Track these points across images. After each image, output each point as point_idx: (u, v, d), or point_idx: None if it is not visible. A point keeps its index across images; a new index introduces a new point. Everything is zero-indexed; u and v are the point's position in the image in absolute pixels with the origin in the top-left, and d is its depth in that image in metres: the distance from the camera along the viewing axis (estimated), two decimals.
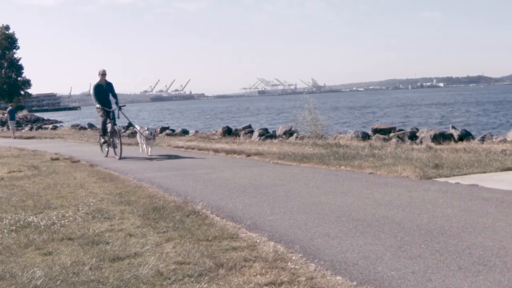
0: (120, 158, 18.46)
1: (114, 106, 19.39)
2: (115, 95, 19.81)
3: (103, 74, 19.38)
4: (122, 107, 19.36)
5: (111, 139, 19.21)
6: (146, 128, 19.72)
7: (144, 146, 19.68)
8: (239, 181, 11.87)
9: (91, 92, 19.79)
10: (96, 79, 19.52)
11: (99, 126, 21.87)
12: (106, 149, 19.75)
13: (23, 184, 12.12)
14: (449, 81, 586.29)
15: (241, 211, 8.59)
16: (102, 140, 20.07)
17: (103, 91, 19.42)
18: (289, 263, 5.65)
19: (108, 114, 19.25)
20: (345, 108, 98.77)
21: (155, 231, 7.15)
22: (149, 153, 19.21)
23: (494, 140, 21.82)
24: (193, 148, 21.58)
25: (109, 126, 19.24)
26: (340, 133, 28.30)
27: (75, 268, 5.58)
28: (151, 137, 19.39)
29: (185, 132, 37.25)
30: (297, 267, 5.53)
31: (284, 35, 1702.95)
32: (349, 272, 5.36)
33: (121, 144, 18.89)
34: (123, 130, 45.85)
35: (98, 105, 19.29)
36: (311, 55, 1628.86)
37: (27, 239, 6.85)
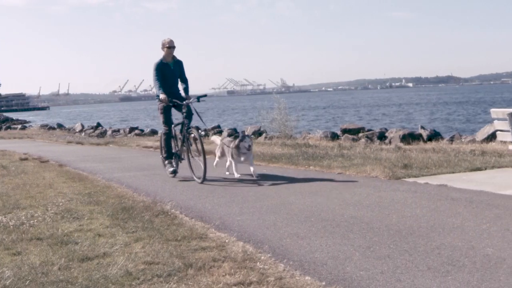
0: (203, 180, 11.58)
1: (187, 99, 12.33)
2: (185, 80, 12.78)
3: (169, 46, 12.41)
4: (201, 98, 12.51)
5: (185, 149, 12.52)
6: (241, 135, 12.02)
7: (233, 163, 12.21)
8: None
9: (152, 73, 12.32)
10: (158, 54, 12.74)
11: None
12: (174, 165, 12.76)
13: None
14: (418, 81, 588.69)
15: (210, 211, 8.58)
16: (166, 160, 12.90)
17: (170, 74, 12.49)
18: (258, 263, 5.66)
19: (179, 110, 12.45)
20: (312, 109, 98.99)
21: (124, 231, 7.13)
22: (253, 173, 11.82)
23: (463, 140, 22.03)
24: None
25: (176, 129, 12.68)
26: (309, 133, 28.33)
27: (44, 268, 5.54)
28: (249, 149, 11.85)
29: (154, 132, 37.30)
30: (266, 267, 5.53)
31: (253, 35, 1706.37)
32: (318, 272, 5.37)
33: (204, 157, 11.55)
34: (91, 130, 45.04)
35: (162, 95, 12.05)
36: (280, 55, 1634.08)
37: None
